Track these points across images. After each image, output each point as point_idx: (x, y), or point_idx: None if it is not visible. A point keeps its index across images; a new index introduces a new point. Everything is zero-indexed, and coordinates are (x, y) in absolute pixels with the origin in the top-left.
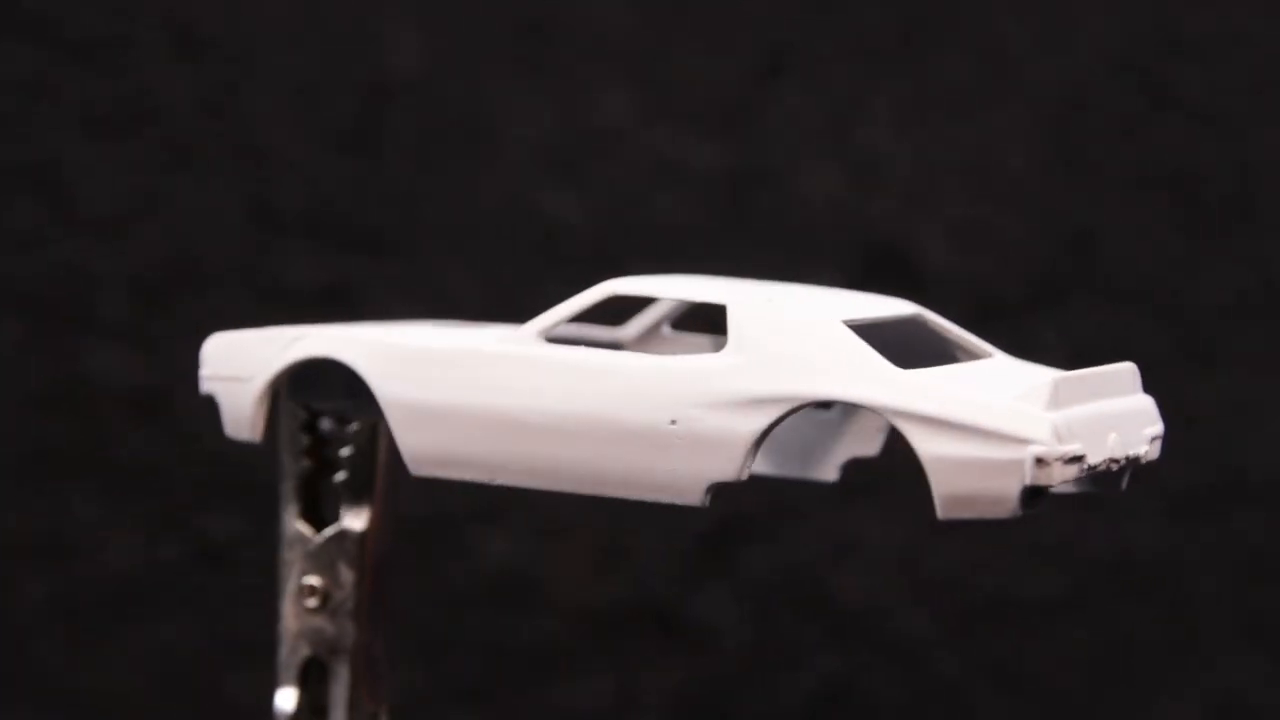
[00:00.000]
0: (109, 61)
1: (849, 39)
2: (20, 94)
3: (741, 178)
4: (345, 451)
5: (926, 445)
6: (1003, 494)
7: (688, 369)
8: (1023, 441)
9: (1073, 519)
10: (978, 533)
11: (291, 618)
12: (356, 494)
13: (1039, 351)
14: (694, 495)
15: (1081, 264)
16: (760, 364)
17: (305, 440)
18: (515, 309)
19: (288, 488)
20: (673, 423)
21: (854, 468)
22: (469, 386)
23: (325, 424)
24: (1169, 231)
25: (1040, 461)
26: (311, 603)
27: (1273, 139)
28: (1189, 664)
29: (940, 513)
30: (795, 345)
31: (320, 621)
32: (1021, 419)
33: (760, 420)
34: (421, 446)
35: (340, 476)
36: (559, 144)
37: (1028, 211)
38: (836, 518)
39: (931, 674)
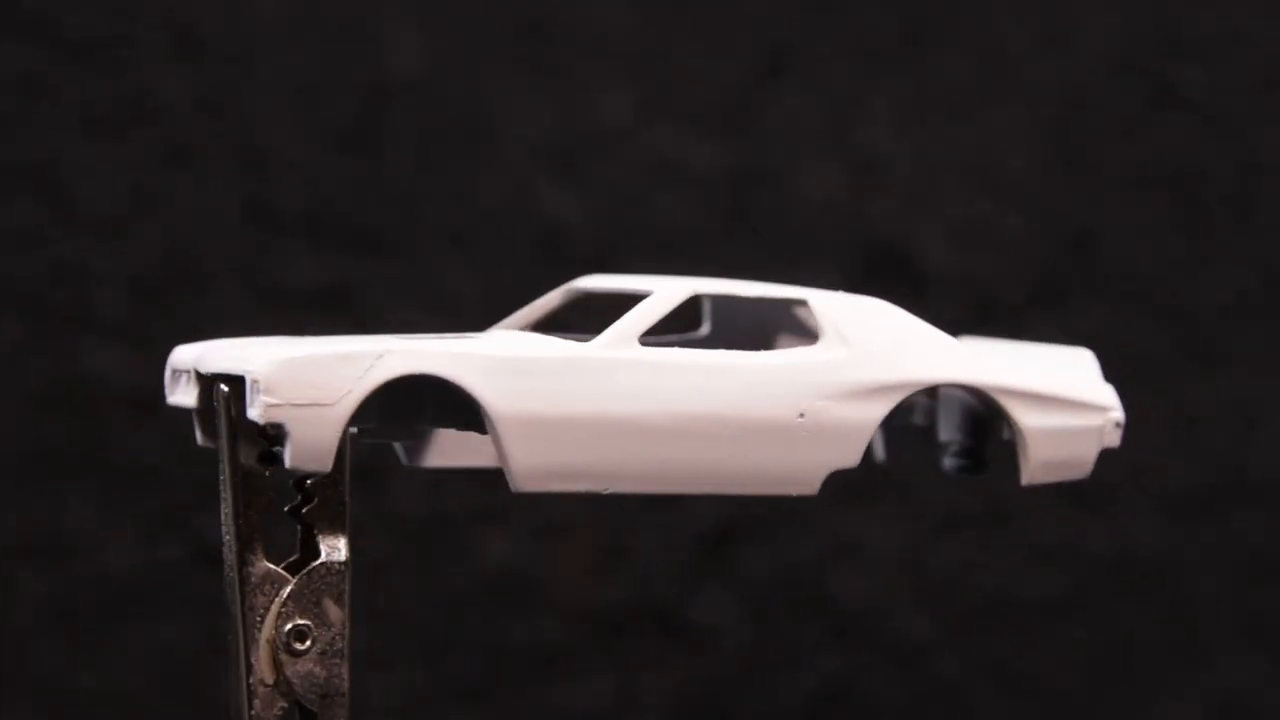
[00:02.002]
0: (109, 61)
1: (849, 39)
2: (20, 94)
3: (741, 178)
4: (309, 479)
5: (1027, 417)
6: (1085, 457)
7: (806, 363)
8: (1103, 409)
9: (1073, 519)
10: (978, 533)
11: (268, 669)
12: (333, 522)
13: None
14: (812, 485)
15: (1081, 264)
16: (871, 354)
17: (264, 471)
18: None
19: (246, 524)
20: (801, 416)
21: None
22: (587, 396)
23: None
24: (1169, 231)
25: (1117, 425)
26: (302, 647)
27: (1273, 139)
28: (1189, 664)
29: (1025, 479)
30: (892, 335)
31: (309, 666)
32: (1098, 390)
33: (882, 407)
34: (536, 461)
35: (310, 505)
36: (559, 144)
37: (1028, 211)
38: (836, 518)
39: (931, 674)
